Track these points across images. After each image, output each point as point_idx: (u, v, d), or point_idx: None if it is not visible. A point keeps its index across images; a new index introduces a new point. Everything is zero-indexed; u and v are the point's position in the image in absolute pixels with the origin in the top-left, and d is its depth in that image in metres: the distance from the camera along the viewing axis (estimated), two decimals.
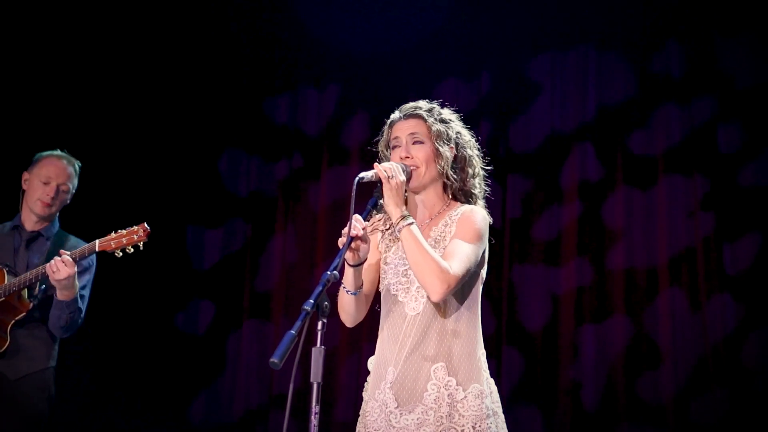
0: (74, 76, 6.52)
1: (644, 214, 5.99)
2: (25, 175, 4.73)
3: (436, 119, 3.34)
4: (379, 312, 3.35)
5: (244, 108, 6.84)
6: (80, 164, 4.81)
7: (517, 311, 6.14)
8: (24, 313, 4.50)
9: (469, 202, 3.34)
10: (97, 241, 4.37)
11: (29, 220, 4.71)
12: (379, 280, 3.38)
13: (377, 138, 3.45)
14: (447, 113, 3.41)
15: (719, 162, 5.80)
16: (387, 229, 3.38)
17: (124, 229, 4.37)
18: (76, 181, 4.78)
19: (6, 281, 4.48)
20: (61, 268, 4.28)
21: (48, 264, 4.31)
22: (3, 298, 4.42)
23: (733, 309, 5.70)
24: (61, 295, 4.40)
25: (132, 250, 4.36)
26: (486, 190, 3.42)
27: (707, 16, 5.91)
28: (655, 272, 5.91)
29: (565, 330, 6.03)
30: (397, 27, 6.44)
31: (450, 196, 3.35)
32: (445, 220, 3.27)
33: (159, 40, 6.71)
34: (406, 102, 6.26)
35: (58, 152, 4.77)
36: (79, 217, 5.92)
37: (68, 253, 4.32)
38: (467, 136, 3.41)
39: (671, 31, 6.00)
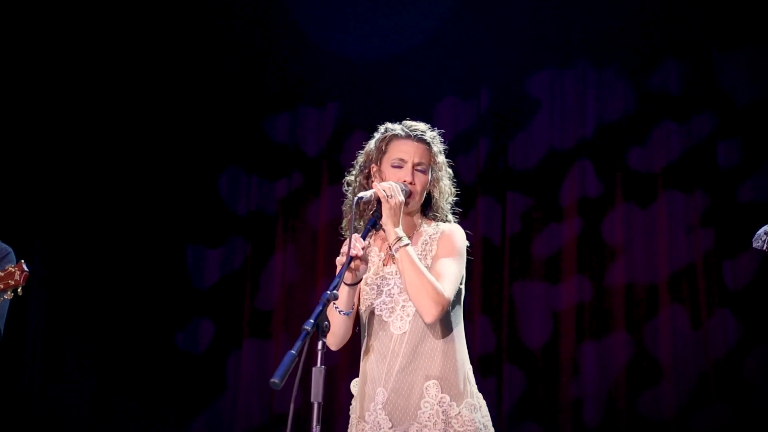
0: (74, 92, 6.53)
1: (644, 230, 5.99)
2: None
3: (439, 151, 3.40)
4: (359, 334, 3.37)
5: (243, 127, 6.85)
6: None
7: (517, 328, 6.14)
8: None
9: (437, 219, 3.39)
10: None
11: None
12: (358, 303, 3.38)
13: (364, 143, 3.49)
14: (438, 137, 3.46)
15: (719, 178, 5.81)
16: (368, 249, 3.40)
17: (3, 269, 3.83)
18: None
19: None
20: None
21: None
22: None
23: (734, 325, 5.70)
24: None
25: (11, 295, 3.82)
26: (451, 204, 3.46)
27: (705, 33, 5.93)
28: (656, 288, 5.91)
29: (565, 347, 6.02)
30: (395, 46, 6.47)
31: (424, 215, 3.41)
32: (425, 239, 3.31)
33: (158, 58, 6.73)
34: (406, 120, 6.31)
35: None
36: (79, 237, 5.95)
37: None
38: (441, 158, 3.45)
39: (669, 48, 6.02)
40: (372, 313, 3.31)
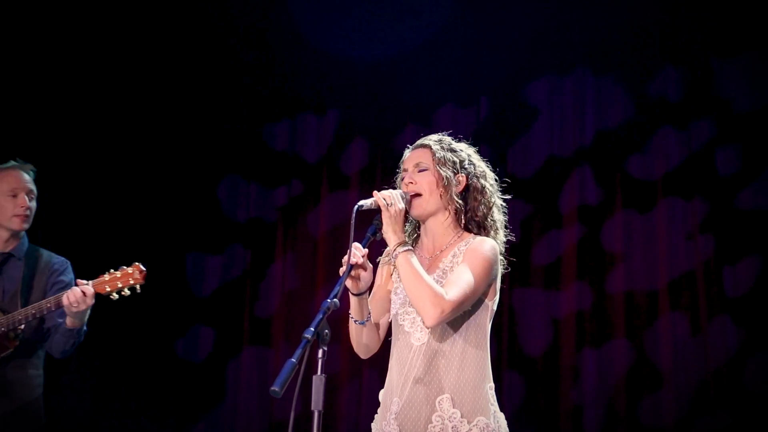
0: (72, 100, 6.54)
1: (644, 237, 5.99)
2: None
3: (442, 148, 3.33)
4: (390, 342, 3.34)
5: (243, 135, 6.85)
6: (35, 169, 4.54)
7: (517, 335, 6.14)
8: (10, 350, 4.28)
9: (481, 234, 3.29)
10: (90, 282, 4.17)
11: None
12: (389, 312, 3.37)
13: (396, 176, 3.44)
14: (460, 145, 3.40)
15: (718, 185, 5.81)
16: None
17: (118, 269, 4.20)
18: (35, 187, 4.51)
19: None
20: (81, 300, 4.10)
21: (66, 296, 4.11)
22: None
23: (734, 331, 5.69)
24: (72, 323, 4.22)
25: (128, 292, 4.20)
26: (503, 220, 3.38)
27: (704, 40, 5.94)
28: (656, 295, 5.91)
29: (565, 354, 6.02)
30: (395, 54, 6.48)
31: (462, 228, 3.32)
32: (454, 251, 3.24)
33: (158, 66, 6.74)
34: (405, 127, 6.35)
35: (9, 164, 4.48)
36: (78, 245, 5.94)
37: (86, 282, 4.16)
38: (482, 167, 3.38)
39: (668, 55, 6.03)
40: (396, 321, 3.28)
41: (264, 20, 6.78)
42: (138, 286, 4.20)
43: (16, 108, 6.34)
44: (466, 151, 3.39)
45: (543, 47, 6.29)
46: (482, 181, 3.34)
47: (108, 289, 4.17)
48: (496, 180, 3.41)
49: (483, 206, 3.31)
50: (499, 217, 3.36)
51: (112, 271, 4.20)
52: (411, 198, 3.26)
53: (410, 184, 3.28)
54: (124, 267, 4.21)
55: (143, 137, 6.73)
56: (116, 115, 6.67)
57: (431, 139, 3.38)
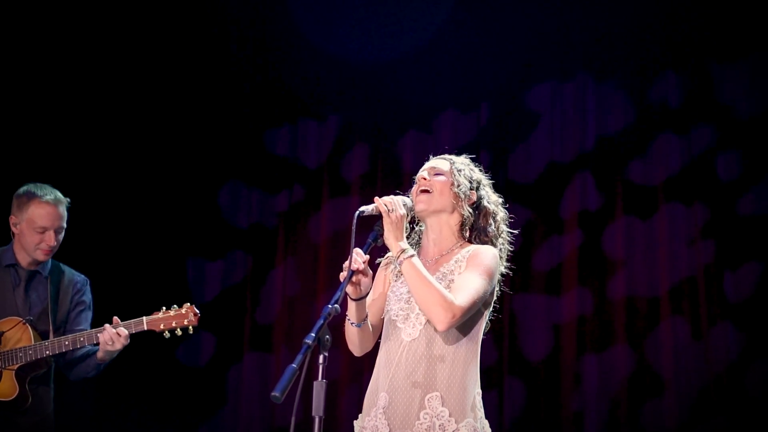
0: (74, 103, 6.53)
1: (645, 243, 6.00)
2: (14, 219, 4.47)
3: (463, 163, 3.42)
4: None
5: (244, 140, 6.86)
6: (69, 201, 4.56)
7: (518, 341, 6.13)
8: (45, 370, 4.48)
9: (482, 241, 3.37)
10: (144, 318, 4.38)
11: (25, 260, 4.50)
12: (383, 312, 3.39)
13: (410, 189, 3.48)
14: (480, 173, 3.47)
15: (719, 191, 5.82)
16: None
17: (171, 309, 4.40)
18: (67, 217, 4.54)
19: (31, 336, 4.37)
20: (116, 340, 4.33)
21: (102, 336, 4.31)
22: (32, 360, 4.36)
23: (735, 337, 5.70)
24: (102, 358, 4.44)
25: (181, 333, 4.40)
26: (509, 250, 3.45)
27: (705, 46, 5.95)
28: (657, 301, 5.91)
29: (567, 360, 6.02)
30: (396, 59, 6.49)
31: (465, 238, 3.37)
32: (457, 258, 3.28)
33: (159, 71, 6.74)
34: (406, 133, 6.34)
35: (47, 195, 4.48)
36: (83, 251, 5.94)
37: (122, 324, 4.35)
38: (495, 198, 3.46)
39: (669, 61, 6.04)
40: (390, 318, 3.31)
41: (265, 25, 6.79)
42: (191, 328, 4.39)
43: (18, 114, 6.35)
44: (485, 179, 3.47)
45: (544, 53, 6.30)
46: (492, 206, 3.42)
47: (162, 327, 4.38)
48: (505, 213, 3.49)
49: (493, 228, 3.39)
50: (506, 246, 3.43)
51: (165, 309, 4.40)
52: (419, 194, 3.31)
53: (423, 180, 3.34)
54: (176, 306, 4.41)
55: (144, 142, 6.73)
56: (117, 120, 6.66)
57: (453, 156, 3.46)
